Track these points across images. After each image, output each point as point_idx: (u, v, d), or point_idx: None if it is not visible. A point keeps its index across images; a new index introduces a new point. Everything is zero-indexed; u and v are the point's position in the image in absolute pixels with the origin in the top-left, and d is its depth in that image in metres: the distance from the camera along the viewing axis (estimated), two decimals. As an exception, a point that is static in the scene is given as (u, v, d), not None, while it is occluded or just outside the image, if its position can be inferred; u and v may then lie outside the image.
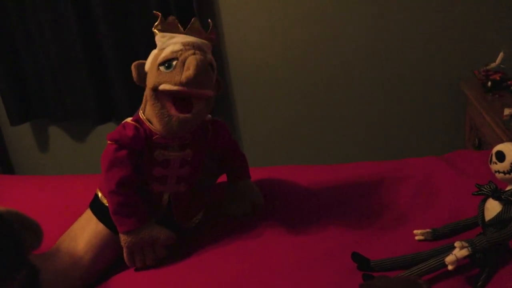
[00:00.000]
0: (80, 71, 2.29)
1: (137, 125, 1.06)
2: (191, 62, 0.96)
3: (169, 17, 1.05)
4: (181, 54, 0.99)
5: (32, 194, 1.46)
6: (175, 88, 0.97)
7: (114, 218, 1.03)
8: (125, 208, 1.03)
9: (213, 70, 1.04)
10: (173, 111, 0.99)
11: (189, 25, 1.04)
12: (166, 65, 0.99)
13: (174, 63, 0.98)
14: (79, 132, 2.60)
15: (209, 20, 1.11)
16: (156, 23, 1.04)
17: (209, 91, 1.02)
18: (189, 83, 0.96)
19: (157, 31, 1.04)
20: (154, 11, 1.07)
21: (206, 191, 1.29)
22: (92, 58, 2.27)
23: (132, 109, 2.27)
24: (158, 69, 1.00)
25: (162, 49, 1.02)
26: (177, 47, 1.00)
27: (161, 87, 0.98)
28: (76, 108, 2.42)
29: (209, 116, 1.17)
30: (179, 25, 1.05)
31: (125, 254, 1.05)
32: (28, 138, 2.68)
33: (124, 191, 1.03)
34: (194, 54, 0.99)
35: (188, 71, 0.95)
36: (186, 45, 1.01)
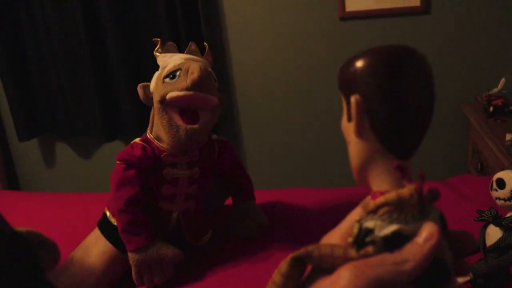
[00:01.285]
0: (89, 89, 2.33)
1: (145, 144, 1.09)
2: (195, 68, 1.01)
3: (168, 42, 1.12)
4: (183, 64, 1.04)
5: (38, 211, 1.48)
6: (181, 93, 1.01)
7: (122, 236, 1.05)
8: (134, 226, 1.05)
9: (215, 80, 1.10)
10: (180, 122, 1.03)
11: (186, 49, 1.10)
12: (171, 76, 1.04)
13: (178, 73, 1.03)
14: (86, 149, 2.63)
15: (205, 43, 1.17)
16: (156, 48, 1.11)
17: (214, 98, 1.06)
18: (194, 86, 1.00)
19: (158, 54, 1.10)
20: (154, 39, 1.12)
21: (214, 212, 1.32)
22: (100, 76, 2.31)
23: (139, 127, 2.30)
24: (163, 82, 1.04)
25: (164, 67, 1.07)
26: (179, 61, 1.06)
27: (168, 96, 1.02)
28: (83, 125, 2.46)
29: (215, 136, 1.20)
30: (177, 49, 1.12)
31: (133, 273, 1.06)
32: (36, 153, 2.71)
33: (132, 210, 1.05)
34: (195, 62, 1.05)
35: (193, 75, 1.00)
36: (187, 59, 1.07)
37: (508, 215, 0.90)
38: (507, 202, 0.88)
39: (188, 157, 1.10)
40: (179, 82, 1.02)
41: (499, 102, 1.91)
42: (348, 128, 0.45)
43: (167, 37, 2.13)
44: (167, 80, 1.04)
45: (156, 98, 1.06)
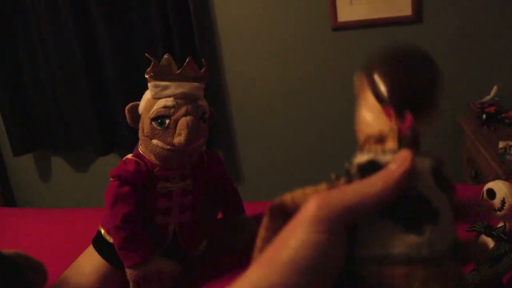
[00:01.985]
0: (84, 103, 2.34)
1: (137, 160, 1.09)
2: (183, 128, 1.01)
3: (164, 58, 1.07)
4: (173, 113, 1.03)
5: (34, 228, 1.48)
6: (167, 147, 1.04)
7: (120, 253, 1.05)
8: (131, 242, 1.04)
9: (205, 119, 1.09)
10: (167, 147, 1.05)
11: (183, 65, 1.07)
12: (159, 121, 1.04)
13: (166, 121, 1.03)
14: (82, 163, 2.62)
15: (202, 60, 1.14)
16: (148, 69, 1.06)
17: (203, 139, 1.08)
18: (180, 147, 1.03)
19: (149, 78, 1.07)
20: (146, 54, 1.09)
21: (208, 224, 1.32)
22: (96, 89, 2.31)
23: (135, 141, 2.30)
24: (151, 123, 1.04)
25: (155, 99, 1.05)
26: (169, 102, 1.04)
27: (155, 142, 1.05)
28: (79, 139, 2.46)
29: (204, 147, 1.21)
30: (172, 66, 1.07)
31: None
32: (31, 168, 2.71)
33: (129, 226, 1.05)
34: (186, 114, 1.04)
35: (180, 137, 1.02)
36: (178, 99, 1.04)
37: (499, 225, 0.90)
38: (498, 212, 0.88)
39: (181, 170, 1.10)
40: (166, 134, 1.03)
41: (492, 109, 1.91)
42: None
43: (161, 49, 2.14)
44: (154, 124, 1.04)
45: (142, 130, 1.08)
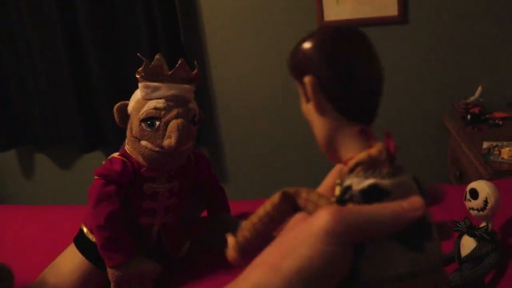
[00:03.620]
0: (68, 99, 2.31)
1: (124, 159, 1.07)
2: (173, 130, 1.00)
3: (155, 58, 1.05)
4: (164, 115, 1.02)
5: (16, 225, 1.46)
6: (156, 149, 1.03)
7: (102, 253, 1.03)
8: (114, 242, 1.03)
9: (195, 122, 1.08)
10: (156, 149, 1.04)
11: (174, 68, 1.05)
12: (149, 122, 1.03)
13: (156, 123, 1.02)
14: (65, 160, 2.60)
15: (195, 62, 1.12)
16: (139, 69, 1.04)
17: (191, 142, 1.07)
18: (169, 150, 1.02)
19: (140, 78, 1.05)
20: (138, 54, 1.08)
21: (191, 222, 1.31)
22: (80, 86, 2.29)
23: (120, 137, 2.28)
24: (140, 124, 1.03)
25: (145, 99, 1.04)
26: (160, 104, 1.02)
27: (143, 143, 1.04)
28: (62, 136, 2.43)
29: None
30: (164, 67, 1.05)
31: None
32: (13, 165, 2.67)
33: (112, 226, 1.03)
34: (176, 116, 1.02)
35: (169, 140, 1.01)
36: (169, 101, 1.03)
37: (481, 225, 0.90)
38: (481, 212, 0.88)
39: (167, 171, 1.09)
40: (155, 136, 1.02)
41: (476, 110, 1.93)
42: (309, 109, 0.48)
43: (147, 47, 2.12)
44: (144, 125, 1.03)
45: (130, 129, 1.06)
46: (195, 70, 1.09)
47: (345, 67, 0.45)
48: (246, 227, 0.46)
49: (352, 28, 0.47)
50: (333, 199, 0.43)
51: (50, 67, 2.31)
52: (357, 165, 0.43)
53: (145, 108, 1.03)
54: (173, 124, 1.01)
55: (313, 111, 0.47)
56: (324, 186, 0.48)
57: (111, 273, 1.03)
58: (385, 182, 0.41)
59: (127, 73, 2.25)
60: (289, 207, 0.44)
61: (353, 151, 0.45)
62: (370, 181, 0.41)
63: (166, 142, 1.01)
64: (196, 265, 1.18)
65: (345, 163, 0.45)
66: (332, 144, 0.47)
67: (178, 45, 2.18)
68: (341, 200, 0.42)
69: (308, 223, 0.38)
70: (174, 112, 1.03)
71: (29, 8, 2.23)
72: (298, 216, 0.42)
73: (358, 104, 0.46)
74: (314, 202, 0.43)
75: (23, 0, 2.22)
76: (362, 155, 0.43)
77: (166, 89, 1.03)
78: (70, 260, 1.10)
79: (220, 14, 2.23)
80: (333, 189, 0.45)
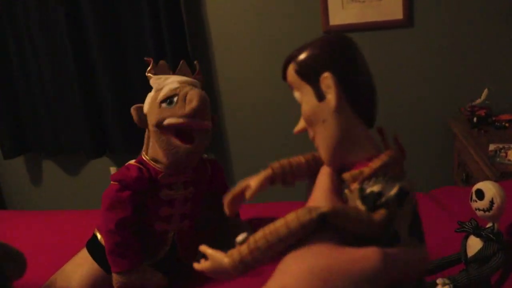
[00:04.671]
0: (75, 106, 2.33)
1: (140, 166, 1.08)
2: (194, 95, 1.02)
3: (160, 61, 1.10)
4: (180, 90, 1.04)
5: (24, 230, 1.47)
6: (180, 120, 1.02)
7: (109, 258, 1.04)
8: (122, 248, 1.04)
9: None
10: (178, 143, 1.04)
11: (178, 68, 1.10)
12: (168, 101, 1.04)
13: (175, 99, 1.03)
14: (73, 166, 2.61)
15: (195, 62, 1.16)
16: (149, 68, 1.10)
17: (209, 122, 1.08)
18: (194, 114, 1.02)
19: (151, 75, 1.10)
20: (146, 58, 1.12)
21: (206, 229, 1.30)
22: (87, 93, 2.30)
23: (127, 144, 2.29)
24: (160, 106, 1.04)
25: (159, 90, 1.07)
26: (175, 85, 1.06)
27: (166, 122, 1.03)
28: (70, 143, 2.44)
29: (205, 155, 1.21)
30: (168, 68, 1.11)
31: None
32: (21, 171, 2.69)
33: (122, 232, 1.04)
34: (192, 89, 1.05)
35: (192, 103, 1.01)
36: (182, 83, 1.07)
37: (488, 225, 0.90)
38: (487, 213, 0.88)
39: (184, 177, 1.10)
40: (177, 108, 1.02)
41: (482, 112, 1.92)
42: (320, 108, 0.47)
43: (153, 52, 2.14)
44: (164, 105, 1.04)
45: (151, 121, 1.06)
46: (197, 71, 1.14)
47: (361, 66, 0.46)
48: (258, 243, 0.44)
49: (347, 36, 0.50)
50: (359, 204, 0.43)
51: (57, 74, 2.33)
52: (381, 167, 0.43)
53: (162, 93, 1.05)
54: (192, 92, 1.03)
55: (328, 110, 0.46)
56: (320, 189, 0.48)
57: (115, 278, 1.04)
58: (406, 184, 0.43)
59: (134, 80, 2.26)
60: (315, 227, 0.43)
61: (369, 152, 0.45)
62: (399, 185, 0.42)
63: (188, 108, 1.01)
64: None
65: (357, 166, 0.45)
66: (344, 145, 0.46)
67: (184, 49, 2.20)
68: (373, 207, 0.43)
69: (360, 258, 0.40)
70: (189, 87, 1.06)
71: (38, 17, 2.26)
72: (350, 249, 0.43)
73: (371, 103, 0.47)
74: (355, 218, 0.43)
75: (32, 9, 2.25)
76: (385, 157, 0.43)
77: (176, 77, 1.08)
78: (82, 265, 1.10)
79: (225, 16, 2.24)
80: (332, 189, 0.46)
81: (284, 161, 0.55)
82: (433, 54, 2.13)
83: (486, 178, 1.53)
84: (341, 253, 0.41)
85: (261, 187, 0.53)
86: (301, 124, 0.55)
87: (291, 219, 0.43)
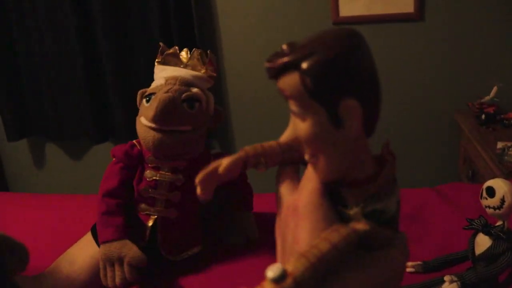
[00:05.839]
0: (79, 90, 2.31)
1: (135, 143, 1.12)
2: (157, 101, 1.01)
3: (172, 47, 1.11)
4: (159, 90, 1.05)
5: (27, 213, 1.46)
6: (148, 124, 1.04)
7: (97, 229, 1.06)
8: (105, 217, 1.05)
9: (193, 106, 1.07)
10: (150, 133, 1.06)
11: (190, 55, 1.10)
12: (147, 99, 1.07)
13: (152, 97, 1.05)
14: (76, 150, 2.60)
15: (209, 51, 1.14)
16: (158, 55, 1.11)
17: (182, 127, 1.06)
18: (155, 120, 1.02)
19: (156, 63, 1.12)
20: (160, 43, 1.13)
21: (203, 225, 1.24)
22: (91, 77, 2.29)
23: (130, 129, 2.28)
24: (142, 101, 1.08)
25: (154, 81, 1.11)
26: (160, 81, 1.07)
27: (141, 119, 1.07)
28: (73, 127, 2.43)
29: (215, 150, 1.20)
30: (180, 56, 1.11)
31: (100, 269, 1.05)
32: (25, 154, 2.68)
33: (107, 201, 1.07)
34: (167, 91, 1.03)
35: (152, 111, 1.02)
36: (168, 80, 1.06)
37: (497, 223, 0.89)
38: (497, 211, 0.87)
39: (174, 163, 1.09)
40: (149, 109, 1.04)
41: (491, 110, 1.91)
42: (333, 134, 0.44)
43: (160, 41, 2.11)
44: (144, 101, 1.07)
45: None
46: (208, 59, 1.12)
47: (377, 76, 0.44)
48: (303, 269, 0.43)
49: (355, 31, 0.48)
50: (363, 221, 0.44)
51: (62, 60, 2.31)
52: (384, 182, 0.43)
53: (149, 88, 1.09)
54: (157, 96, 1.03)
55: (343, 136, 0.43)
56: (307, 190, 0.49)
57: (99, 250, 1.05)
58: (398, 192, 0.44)
59: (139, 66, 2.25)
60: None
61: (371, 168, 0.44)
62: (396, 200, 0.43)
63: (151, 113, 1.02)
64: (208, 261, 1.15)
65: (357, 182, 0.44)
66: (352, 164, 0.45)
67: (193, 42, 2.18)
68: (379, 223, 0.43)
69: (392, 260, 0.48)
70: (166, 88, 1.05)
71: (44, 4, 2.24)
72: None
73: (379, 115, 0.46)
74: (382, 235, 0.45)
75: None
76: (388, 173, 0.43)
77: (171, 71, 1.09)
78: (86, 248, 1.10)
79: (234, 8, 2.22)
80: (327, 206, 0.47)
81: (257, 144, 0.56)
82: (443, 49, 2.10)
83: (493, 175, 1.52)
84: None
85: (233, 163, 0.53)
86: (290, 135, 0.54)
87: (335, 240, 0.44)
